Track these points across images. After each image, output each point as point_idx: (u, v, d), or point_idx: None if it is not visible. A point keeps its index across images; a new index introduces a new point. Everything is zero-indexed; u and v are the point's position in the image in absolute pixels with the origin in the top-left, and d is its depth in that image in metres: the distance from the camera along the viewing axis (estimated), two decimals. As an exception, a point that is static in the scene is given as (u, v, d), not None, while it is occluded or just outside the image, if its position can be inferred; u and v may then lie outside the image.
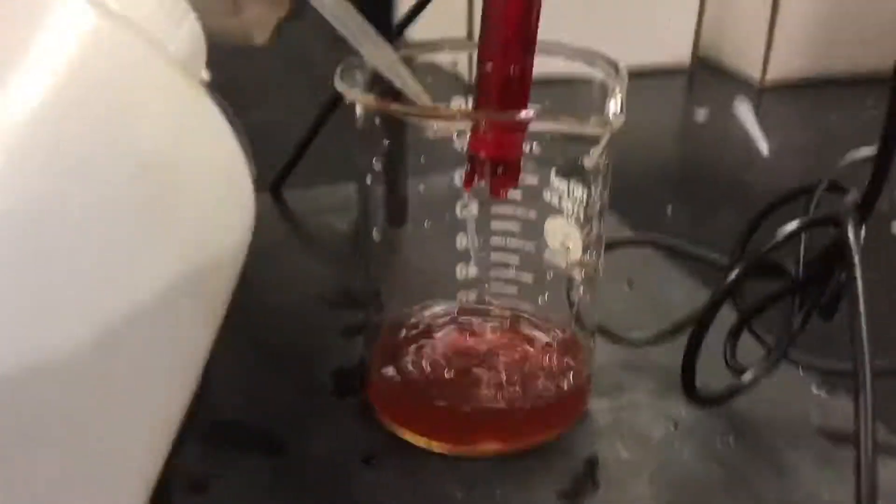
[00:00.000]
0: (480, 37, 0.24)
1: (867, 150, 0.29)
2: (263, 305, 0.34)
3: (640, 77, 0.69)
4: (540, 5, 0.23)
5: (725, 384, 0.26)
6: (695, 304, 0.27)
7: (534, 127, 0.23)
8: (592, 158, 0.24)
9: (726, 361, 0.26)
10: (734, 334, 0.26)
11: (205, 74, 0.61)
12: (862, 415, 0.21)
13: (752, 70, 0.69)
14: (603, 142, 0.23)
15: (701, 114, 0.63)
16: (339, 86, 0.24)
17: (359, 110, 0.25)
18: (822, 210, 0.25)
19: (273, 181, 0.42)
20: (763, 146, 0.57)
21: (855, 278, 0.22)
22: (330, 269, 0.36)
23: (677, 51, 0.71)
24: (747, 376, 0.26)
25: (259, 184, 0.45)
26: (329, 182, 0.43)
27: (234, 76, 0.64)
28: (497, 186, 0.26)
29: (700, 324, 0.24)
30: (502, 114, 0.24)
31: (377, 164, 0.25)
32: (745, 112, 0.61)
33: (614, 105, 0.23)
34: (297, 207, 0.41)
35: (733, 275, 0.24)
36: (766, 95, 0.68)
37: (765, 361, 0.26)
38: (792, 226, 0.24)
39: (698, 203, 0.49)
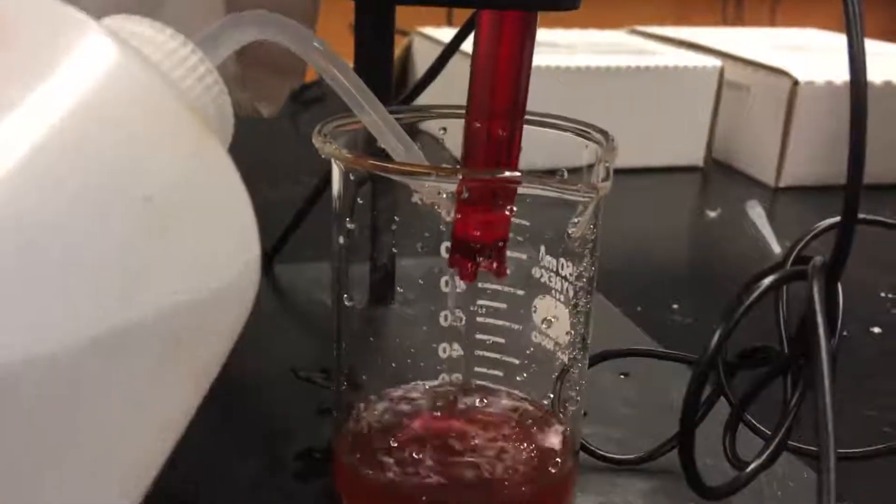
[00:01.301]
0: (469, 98, 0.23)
1: (832, 220, 0.27)
2: (239, 376, 0.32)
3: (654, 174, 0.69)
4: (530, 67, 0.22)
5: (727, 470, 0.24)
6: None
7: (520, 190, 0.22)
8: (580, 227, 0.22)
9: (726, 456, 0.24)
10: (731, 427, 0.24)
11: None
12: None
13: (766, 175, 0.68)
14: (591, 209, 0.22)
15: (713, 213, 0.62)
16: (316, 141, 0.23)
17: (335, 171, 0.24)
18: (792, 269, 0.24)
19: (265, 255, 0.41)
20: (775, 246, 0.56)
21: (819, 342, 0.21)
22: (313, 346, 0.35)
23: (691, 153, 0.71)
24: (750, 468, 0.23)
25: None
26: (322, 258, 0.42)
27: (243, 157, 0.64)
28: (492, 269, 0.24)
29: (685, 416, 0.22)
30: (487, 171, 0.23)
31: (352, 230, 0.24)
32: (757, 213, 0.60)
33: (602, 172, 0.22)
34: (287, 282, 0.40)
35: (712, 345, 0.22)
36: (779, 197, 0.67)
37: (765, 451, 0.23)
38: (761, 286, 0.22)
39: (706, 301, 0.47)
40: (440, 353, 0.27)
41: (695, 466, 0.23)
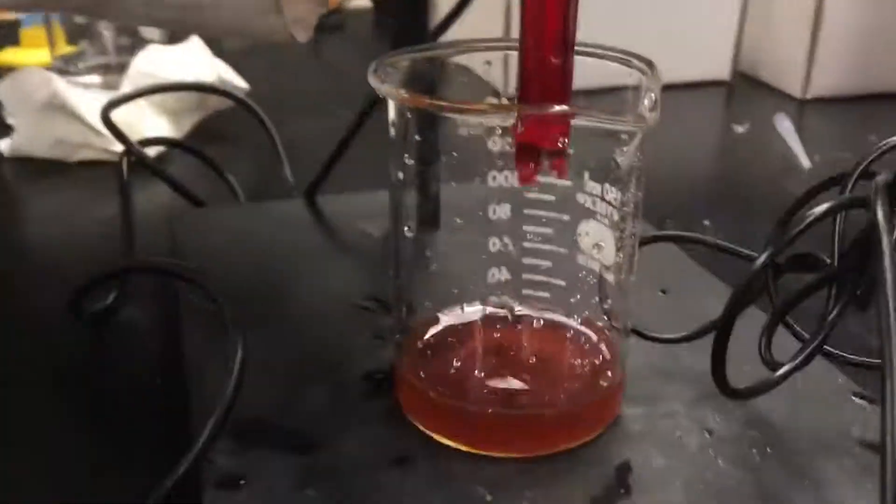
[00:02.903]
0: (521, 31, 0.24)
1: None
2: (296, 309, 0.34)
3: (680, 90, 0.69)
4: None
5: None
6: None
7: (572, 122, 0.23)
8: (627, 156, 0.23)
9: (761, 356, 0.26)
10: (769, 328, 0.26)
11: (242, 83, 0.62)
12: (889, 409, 0.20)
13: (793, 86, 0.68)
14: (637, 140, 0.22)
15: (741, 128, 0.62)
16: (372, 80, 0.24)
17: (391, 109, 0.25)
18: (852, 194, 0.25)
19: (308, 187, 0.42)
20: (804, 160, 0.56)
21: (883, 263, 0.22)
22: (362, 274, 0.36)
23: (717, 66, 0.71)
24: (782, 370, 0.25)
25: (294, 190, 0.45)
26: (363, 188, 0.43)
27: (271, 87, 0.65)
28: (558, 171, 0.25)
29: (729, 312, 0.24)
30: (541, 107, 0.23)
31: (409, 165, 0.25)
32: (786, 127, 0.60)
33: (649, 102, 0.23)
34: (331, 213, 0.42)
35: (762, 258, 0.23)
36: (806, 109, 0.67)
37: (800, 354, 0.25)
38: (821, 208, 0.23)
39: (738, 214, 0.48)
40: (489, 277, 0.29)
41: (724, 366, 0.24)
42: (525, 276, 0.28)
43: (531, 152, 0.25)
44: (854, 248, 0.24)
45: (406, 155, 0.25)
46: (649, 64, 0.24)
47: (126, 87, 0.56)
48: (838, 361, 0.27)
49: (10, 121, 0.53)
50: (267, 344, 0.30)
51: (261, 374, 0.28)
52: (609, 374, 0.26)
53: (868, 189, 0.23)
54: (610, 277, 0.27)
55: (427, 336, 0.28)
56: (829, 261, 0.24)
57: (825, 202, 0.25)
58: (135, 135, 0.45)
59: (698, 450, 0.25)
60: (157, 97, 0.55)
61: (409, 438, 0.26)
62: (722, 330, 0.24)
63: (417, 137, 0.25)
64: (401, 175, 0.26)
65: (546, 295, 0.28)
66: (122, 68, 0.66)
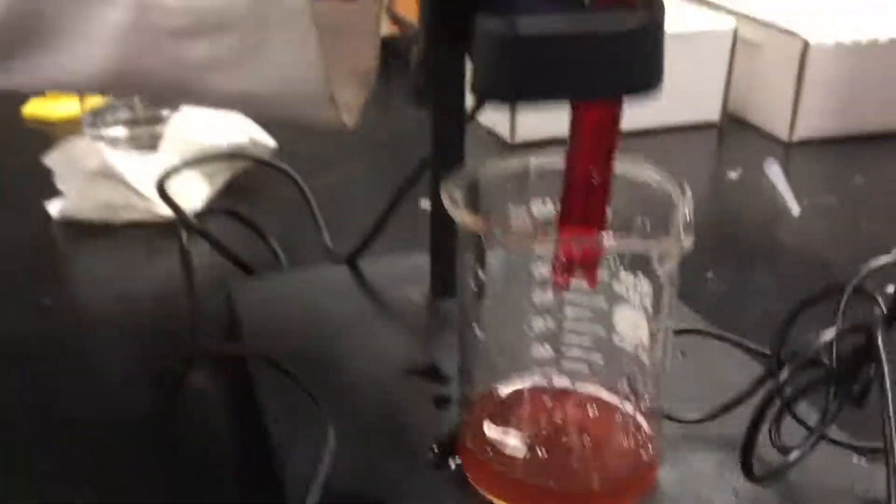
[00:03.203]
0: (568, 156, 0.28)
1: (886, 258, 0.32)
2: (356, 378, 0.38)
3: (672, 133, 0.74)
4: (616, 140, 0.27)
5: (773, 458, 0.30)
6: (739, 375, 0.31)
7: (615, 248, 0.28)
8: (664, 270, 0.28)
9: (772, 443, 0.30)
10: (777, 419, 0.30)
11: (271, 141, 0.66)
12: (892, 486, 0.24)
13: (780, 129, 0.73)
14: (675, 259, 0.27)
15: (734, 173, 0.66)
16: (447, 204, 0.28)
17: (460, 225, 0.29)
18: (854, 319, 0.29)
19: (350, 254, 0.46)
20: (794, 206, 0.61)
21: (884, 376, 0.26)
22: (410, 340, 0.40)
23: (707, 108, 0.75)
24: (793, 455, 0.29)
25: (335, 256, 0.49)
26: (398, 250, 0.47)
27: (294, 141, 0.69)
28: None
29: (755, 420, 0.28)
30: (588, 239, 0.28)
31: (481, 278, 0.30)
32: (775, 172, 0.65)
33: (683, 223, 0.27)
34: (374, 278, 0.45)
35: (783, 376, 0.28)
36: (793, 151, 0.72)
37: (806, 442, 0.29)
38: (829, 335, 0.28)
39: (738, 265, 0.52)
40: (534, 352, 0.33)
41: (751, 458, 0.29)
42: (565, 351, 0.33)
43: (567, 266, 0.29)
44: (851, 357, 0.28)
45: (479, 269, 0.29)
46: (680, 185, 0.28)
47: (165, 150, 0.60)
48: (842, 446, 0.31)
49: (60, 186, 0.56)
50: (334, 413, 0.34)
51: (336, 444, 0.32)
52: (651, 447, 0.31)
53: (862, 305, 0.28)
54: (645, 358, 0.31)
55: (487, 410, 0.32)
56: (828, 365, 0.29)
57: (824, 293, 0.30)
58: (172, 192, 0.49)
59: (727, 506, 0.30)
60: (194, 156, 0.59)
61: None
62: (748, 439, 0.28)
63: (479, 245, 0.29)
64: (473, 286, 0.30)
65: (585, 369, 0.32)
66: (149, 122, 0.70)
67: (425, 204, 0.45)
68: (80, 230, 0.56)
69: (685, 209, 0.27)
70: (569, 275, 0.30)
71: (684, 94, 0.73)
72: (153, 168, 0.57)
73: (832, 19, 0.73)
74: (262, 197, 0.61)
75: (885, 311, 0.27)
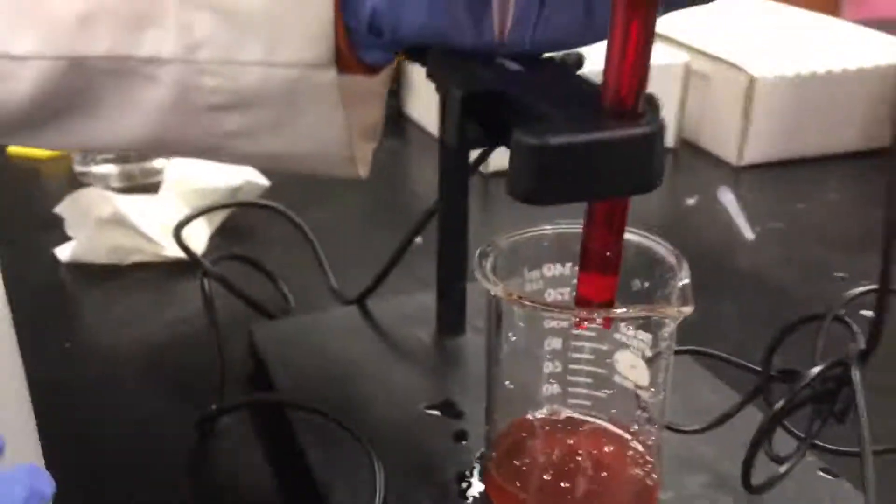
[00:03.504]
0: (584, 235, 0.33)
1: (862, 288, 0.38)
2: (379, 416, 0.42)
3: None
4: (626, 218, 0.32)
5: (761, 471, 0.36)
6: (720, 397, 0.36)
7: (626, 315, 0.33)
8: (665, 334, 0.33)
9: (766, 454, 0.35)
10: (769, 431, 0.35)
11: (265, 181, 0.69)
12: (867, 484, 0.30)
13: (730, 154, 0.79)
14: (674, 325, 0.32)
15: (691, 200, 0.72)
16: (479, 276, 0.33)
17: (491, 293, 0.34)
18: (834, 350, 0.35)
19: (359, 295, 0.51)
20: (747, 232, 0.67)
21: (858, 406, 0.32)
22: (423, 380, 0.45)
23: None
24: (784, 467, 0.35)
25: (343, 297, 0.53)
26: (392, 282, 0.51)
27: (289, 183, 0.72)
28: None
29: (757, 439, 0.34)
30: (605, 311, 0.33)
31: (512, 340, 0.34)
32: (729, 199, 0.71)
33: (683, 293, 0.32)
34: (382, 319, 0.50)
35: (781, 404, 0.33)
36: (742, 176, 0.78)
37: (797, 453, 0.35)
38: (813, 372, 0.33)
39: (704, 293, 0.58)
40: (544, 391, 0.38)
41: (750, 472, 0.34)
42: (571, 389, 0.37)
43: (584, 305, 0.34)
44: (832, 381, 0.33)
45: (510, 334, 0.34)
46: (678, 257, 0.33)
47: (165, 193, 0.63)
48: (828, 451, 0.37)
49: (70, 233, 0.59)
50: (353, 452, 0.38)
51: (356, 483, 0.37)
52: (653, 475, 0.36)
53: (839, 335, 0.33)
54: (644, 395, 0.36)
55: (508, 443, 0.37)
56: (813, 387, 0.34)
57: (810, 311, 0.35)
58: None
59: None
60: (194, 198, 0.62)
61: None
62: (751, 452, 0.34)
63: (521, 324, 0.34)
64: (505, 348, 0.35)
65: (588, 404, 0.37)
66: (139, 159, 0.72)
67: (418, 239, 0.50)
68: (90, 273, 0.59)
69: (685, 280, 0.32)
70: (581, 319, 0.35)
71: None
72: (157, 211, 0.61)
73: (775, 54, 0.80)
74: (257, 236, 0.64)
75: (861, 347, 0.32)
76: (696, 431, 0.39)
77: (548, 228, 0.36)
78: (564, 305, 0.35)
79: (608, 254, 0.32)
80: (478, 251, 0.34)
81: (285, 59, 0.36)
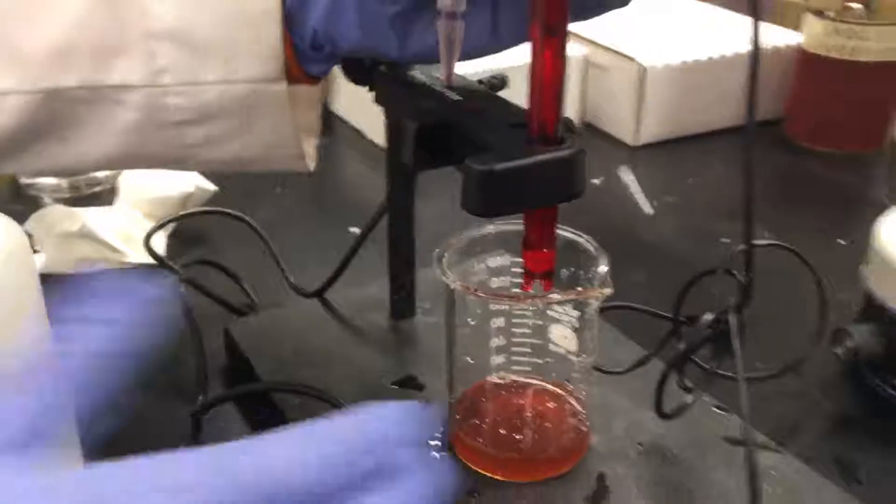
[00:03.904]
0: (525, 223, 0.40)
1: (742, 246, 0.46)
2: (353, 393, 0.49)
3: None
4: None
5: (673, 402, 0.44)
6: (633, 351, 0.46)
7: (559, 300, 0.41)
8: (590, 311, 0.41)
9: (678, 385, 0.44)
10: (680, 366, 0.44)
11: (211, 186, 0.75)
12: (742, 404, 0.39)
13: (627, 135, 0.89)
14: (598, 302, 0.40)
15: (597, 180, 0.81)
16: (439, 273, 0.40)
17: (451, 287, 0.41)
18: (721, 306, 0.43)
19: (319, 289, 0.57)
20: (646, 207, 0.77)
21: (735, 348, 0.40)
22: (387, 357, 0.52)
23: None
24: (689, 397, 0.44)
25: (304, 291, 0.59)
26: (359, 284, 0.58)
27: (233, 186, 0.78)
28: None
29: (667, 371, 0.42)
30: (543, 298, 0.40)
31: (470, 324, 0.42)
32: (630, 179, 0.81)
33: (602, 277, 0.40)
34: (343, 308, 0.57)
35: (684, 345, 0.42)
36: (638, 153, 0.88)
37: (701, 383, 0.44)
38: (707, 318, 0.41)
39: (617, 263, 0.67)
40: (492, 362, 0.46)
41: (661, 399, 0.43)
42: (515, 358, 0.45)
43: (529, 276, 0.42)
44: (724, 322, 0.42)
45: (464, 317, 0.42)
46: (597, 248, 0.42)
47: (121, 201, 0.67)
48: (717, 375, 0.45)
49: (37, 247, 0.63)
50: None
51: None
52: (585, 423, 0.44)
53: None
54: (575, 359, 0.44)
55: (467, 407, 0.45)
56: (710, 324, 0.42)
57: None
58: (135, 240, 0.58)
59: (637, 456, 0.44)
60: (149, 206, 0.67)
61: (470, 475, 0.43)
62: (662, 378, 0.42)
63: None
64: (460, 329, 0.42)
65: (530, 369, 0.46)
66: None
67: (353, 229, 0.56)
68: (60, 282, 0.63)
69: (604, 267, 0.41)
70: (529, 285, 0.42)
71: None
72: (116, 221, 0.65)
73: (664, 45, 0.89)
74: (210, 239, 0.70)
75: (738, 299, 0.40)
76: (620, 372, 0.47)
77: (490, 228, 0.44)
78: (511, 295, 0.42)
79: (544, 236, 0.40)
80: (435, 253, 0.41)
81: (242, 76, 0.41)
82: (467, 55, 0.40)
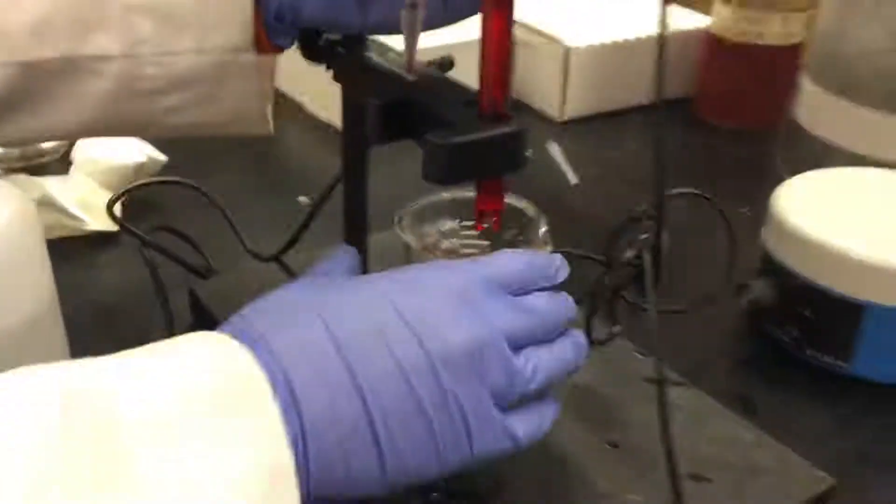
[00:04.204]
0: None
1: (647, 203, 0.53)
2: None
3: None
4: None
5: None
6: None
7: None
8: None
9: (609, 317, 0.50)
10: (612, 302, 0.50)
11: (162, 156, 0.78)
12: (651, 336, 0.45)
13: (553, 111, 0.95)
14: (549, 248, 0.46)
15: (528, 153, 0.87)
16: (399, 232, 0.45)
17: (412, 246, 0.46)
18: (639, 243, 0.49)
19: (277, 252, 0.61)
20: (572, 178, 0.83)
21: (647, 285, 0.47)
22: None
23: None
24: (618, 328, 0.50)
25: (261, 255, 0.64)
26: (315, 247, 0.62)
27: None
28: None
29: (593, 307, 0.48)
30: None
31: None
32: (556, 151, 0.87)
33: (544, 235, 0.46)
34: (299, 271, 0.61)
35: (609, 279, 0.48)
36: (565, 128, 0.94)
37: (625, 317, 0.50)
38: (630, 254, 0.47)
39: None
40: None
41: (591, 333, 0.49)
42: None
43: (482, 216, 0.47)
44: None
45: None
46: (537, 212, 0.47)
47: (75, 172, 0.70)
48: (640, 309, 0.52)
49: (-4, 215, 0.65)
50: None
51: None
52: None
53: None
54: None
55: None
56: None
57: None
58: (92, 208, 0.61)
59: (569, 392, 0.50)
60: (103, 176, 0.70)
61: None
62: (589, 314, 0.48)
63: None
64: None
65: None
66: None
67: (303, 199, 0.60)
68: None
69: (544, 228, 0.46)
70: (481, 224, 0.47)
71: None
72: (73, 189, 0.68)
73: (587, 26, 0.96)
74: (163, 207, 0.73)
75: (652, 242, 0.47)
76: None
77: (446, 195, 0.49)
78: (464, 253, 0.48)
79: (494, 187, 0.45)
80: (395, 216, 0.46)
81: (214, 46, 0.44)
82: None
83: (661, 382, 0.45)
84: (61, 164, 0.77)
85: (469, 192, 0.46)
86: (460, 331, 0.35)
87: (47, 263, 0.41)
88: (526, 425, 0.36)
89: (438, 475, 0.34)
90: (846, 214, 0.58)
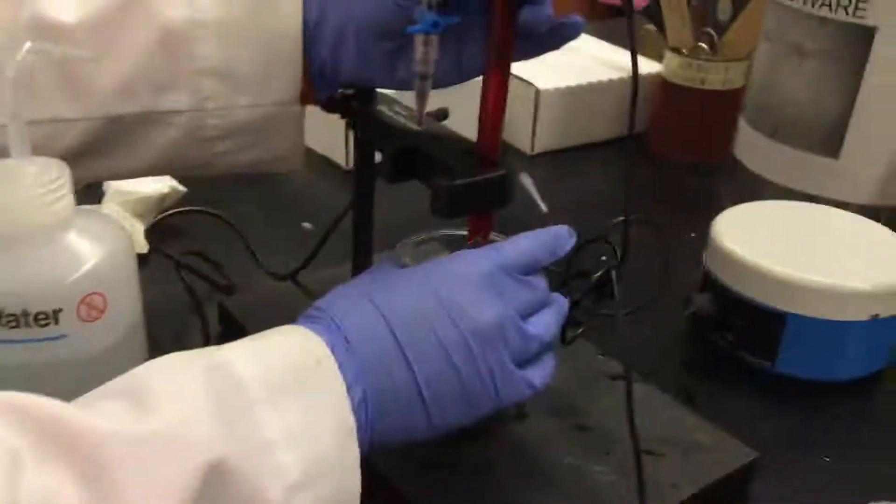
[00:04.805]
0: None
1: (618, 220, 0.64)
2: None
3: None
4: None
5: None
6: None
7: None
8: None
9: (575, 319, 0.60)
10: (574, 307, 0.60)
11: (181, 187, 0.89)
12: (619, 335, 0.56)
13: (524, 145, 1.06)
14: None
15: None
16: (401, 255, 0.56)
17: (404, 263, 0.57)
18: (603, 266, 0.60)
19: (292, 272, 0.71)
20: (543, 207, 0.94)
21: (616, 296, 0.57)
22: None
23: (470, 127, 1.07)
24: (581, 329, 0.60)
25: (279, 274, 0.74)
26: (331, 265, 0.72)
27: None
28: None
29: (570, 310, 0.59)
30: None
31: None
32: (528, 182, 0.98)
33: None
34: (312, 288, 0.71)
35: (571, 296, 0.59)
36: (535, 161, 1.06)
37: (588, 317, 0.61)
38: (596, 276, 0.58)
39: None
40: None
41: (565, 333, 0.59)
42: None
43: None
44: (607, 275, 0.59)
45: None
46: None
47: (107, 203, 0.79)
48: (602, 315, 0.62)
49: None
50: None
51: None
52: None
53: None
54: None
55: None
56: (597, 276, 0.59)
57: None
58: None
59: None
60: (133, 206, 0.79)
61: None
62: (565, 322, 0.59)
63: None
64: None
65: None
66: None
67: (307, 225, 0.70)
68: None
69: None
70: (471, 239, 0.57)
71: (458, 124, 1.04)
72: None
73: (555, 71, 1.07)
74: (183, 232, 0.82)
75: (616, 260, 0.57)
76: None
77: (437, 234, 0.60)
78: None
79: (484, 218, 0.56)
80: (397, 245, 0.57)
81: (268, 100, 0.53)
82: (436, 86, 0.51)
83: (628, 376, 0.55)
84: (83, 195, 0.86)
85: (462, 231, 0.56)
86: (485, 311, 0.45)
87: (137, 284, 0.51)
88: (540, 375, 0.47)
89: (475, 421, 0.45)
90: (773, 240, 0.70)
